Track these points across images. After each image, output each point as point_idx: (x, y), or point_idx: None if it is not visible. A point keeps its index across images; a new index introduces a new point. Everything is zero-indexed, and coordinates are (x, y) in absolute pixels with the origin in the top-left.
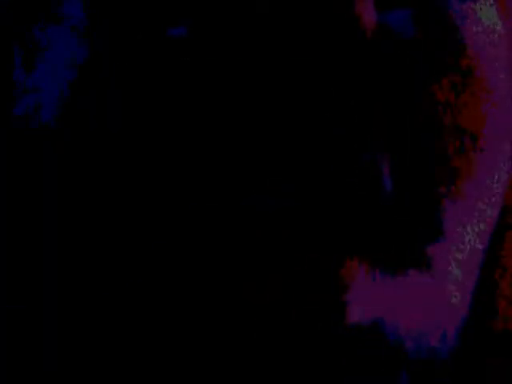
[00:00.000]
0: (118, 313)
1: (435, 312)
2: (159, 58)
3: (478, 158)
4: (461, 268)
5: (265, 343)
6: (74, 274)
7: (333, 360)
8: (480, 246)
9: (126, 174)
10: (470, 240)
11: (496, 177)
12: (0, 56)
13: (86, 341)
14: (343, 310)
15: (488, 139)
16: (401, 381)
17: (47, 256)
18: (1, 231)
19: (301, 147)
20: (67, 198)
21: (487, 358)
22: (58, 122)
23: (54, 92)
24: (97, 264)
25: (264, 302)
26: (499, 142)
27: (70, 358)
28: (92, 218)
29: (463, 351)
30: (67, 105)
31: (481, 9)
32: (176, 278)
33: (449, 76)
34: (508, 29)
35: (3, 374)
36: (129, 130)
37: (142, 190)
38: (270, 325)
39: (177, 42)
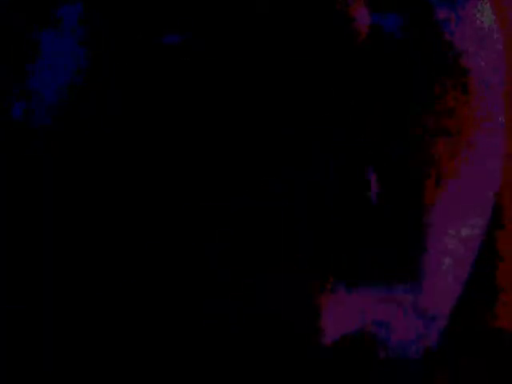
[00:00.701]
0: (112, 313)
1: (417, 326)
2: (158, 59)
3: (469, 163)
4: (446, 278)
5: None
6: (69, 274)
7: (312, 378)
8: (469, 254)
9: (123, 174)
10: (457, 249)
11: (487, 182)
12: None
13: (80, 341)
14: (319, 327)
15: (480, 142)
16: None
17: (42, 257)
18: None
19: (294, 149)
20: (63, 199)
21: (470, 358)
22: (54, 124)
23: (51, 93)
24: (91, 264)
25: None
26: (491, 145)
27: (66, 357)
28: (86, 218)
29: (449, 353)
30: (64, 106)
31: (476, 11)
32: (170, 278)
33: (442, 79)
34: (503, 30)
35: (3, 374)
36: (127, 131)
37: (136, 191)
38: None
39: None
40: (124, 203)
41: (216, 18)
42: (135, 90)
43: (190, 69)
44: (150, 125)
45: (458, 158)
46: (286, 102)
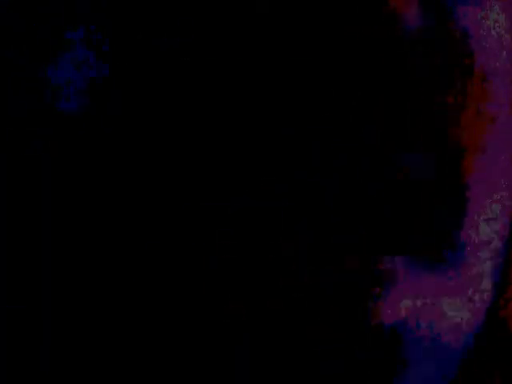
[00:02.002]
0: (109, 313)
1: (463, 312)
2: (159, 59)
3: (494, 147)
4: (488, 263)
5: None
6: (67, 275)
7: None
8: (503, 239)
9: (123, 174)
10: (493, 233)
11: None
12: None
13: (78, 341)
14: (374, 308)
15: (500, 128)
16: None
17: (41, 256)
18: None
19: (294, 149)
20: (62, 199)
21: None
22: (53, 122)
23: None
24: (90, 264)
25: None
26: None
27: (63, 357)
28: (86, 219)
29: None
30: (62, 104)
31: (489, 16)
32: (169, 278)
33: (457, 79)
34: None
35: (3, 374)
36: (127, 131)
37: (136, 191)
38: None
39: (177, 43)
40: (124, 204)
41: (217, 19)
42: (135, 90)
43: (190, 69)
44: (151, 125)
45: (482, 144)
46: (287, 102)
